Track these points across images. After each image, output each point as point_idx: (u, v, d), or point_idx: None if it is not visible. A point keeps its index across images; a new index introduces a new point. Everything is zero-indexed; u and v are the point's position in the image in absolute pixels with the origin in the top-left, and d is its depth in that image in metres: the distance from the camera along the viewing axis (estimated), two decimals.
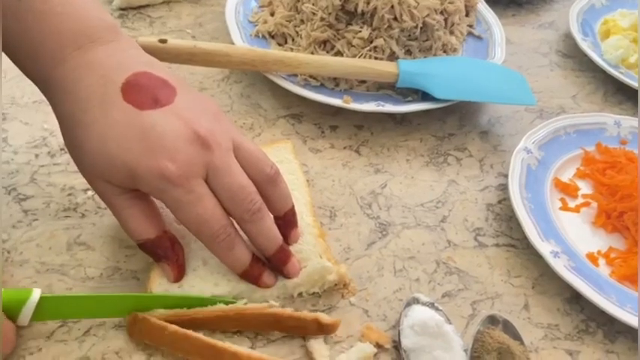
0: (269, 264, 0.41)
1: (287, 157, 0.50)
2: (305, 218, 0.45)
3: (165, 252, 0.39)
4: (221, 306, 0.39)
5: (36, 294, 0.36)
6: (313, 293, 0.43)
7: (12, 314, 0.35)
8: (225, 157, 0.38)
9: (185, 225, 0.38)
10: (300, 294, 0.42)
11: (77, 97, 0.37)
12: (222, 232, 0.38)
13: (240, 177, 0.38)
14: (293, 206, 0.42)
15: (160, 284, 0.40)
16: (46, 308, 0.36)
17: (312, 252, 0.43)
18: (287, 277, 0.41)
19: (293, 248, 0.42)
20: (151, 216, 0.39)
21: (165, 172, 0.35)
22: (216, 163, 0.37)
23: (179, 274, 0.40)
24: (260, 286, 0.40)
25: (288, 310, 0.39)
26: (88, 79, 0.37)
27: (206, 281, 0.40)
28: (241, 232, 0.40)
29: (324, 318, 0.39)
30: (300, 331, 0.40)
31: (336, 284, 0.43)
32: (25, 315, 0.36)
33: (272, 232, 0.40)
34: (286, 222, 0.42)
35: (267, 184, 0.40)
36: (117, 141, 0.36)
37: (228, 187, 0.38)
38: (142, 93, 0.37)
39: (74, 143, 0.37)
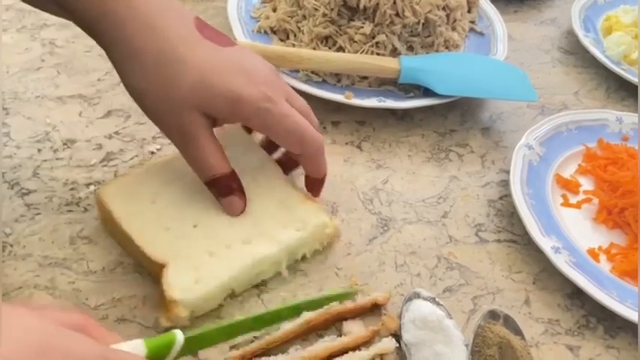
0: (309, 184, 0.46)
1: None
2: (295, 187, 0.46)
3: (237, 185, 0.43)
4: (292, 326, 0.39)
5: (180, 337, 0.33)
6: (315, 252, 0.45)
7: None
8: (290, 89, 0.44)
9: (287, 137, 0.42)
10: (304, 257, 0.44)
11: (164, 35, 0.39)
12: (319, 137, 0.43)
13: (305, 104, 0.45)
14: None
15: (178, 287, 0.38)
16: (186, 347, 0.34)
17: (309, 212, 0.44)
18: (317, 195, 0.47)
19: (295, 212, 0.44)
20: (224, 154, 0.42)
21: (268, 93, 0.40)
22: (290, 90, 0.44)
23: (245, 205, 0.43)
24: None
25: (349, 304, 0.41)
26: (170, 17, 0.40)
27: (220, 267, 0.40)
28: None
29: (381, 298, 0.42)
30: (357, 315, 0.42)
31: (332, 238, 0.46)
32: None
33: (325, 162, 0.46)
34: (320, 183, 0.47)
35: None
36: (218, 73, 0.39)
37: (304, 107, 0.44)
38: (214, 34, 0.41)
39: (167, 77, 0.39)
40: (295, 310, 0.40)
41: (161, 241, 0.40)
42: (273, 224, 0.43)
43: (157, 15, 0.39)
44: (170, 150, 0.45)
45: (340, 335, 0.40)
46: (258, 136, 0.49)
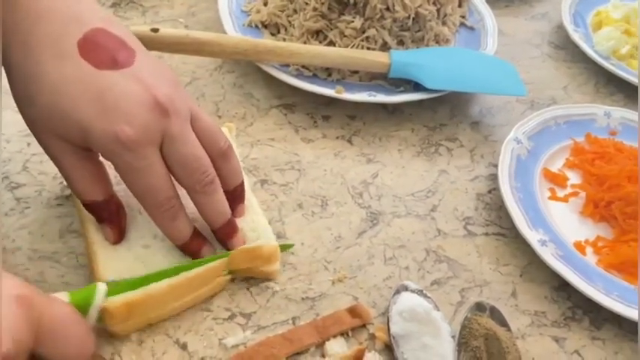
0: (215, 236, 0.42)
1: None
2: (250, 198, 0.45)
3: (110, 215, 0.40)
4: (272, 348, 0.38)
5: (101, 286, 0.34)
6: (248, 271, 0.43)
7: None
8: (183, 126, 0.37)
9: (131, 190, 0.38)
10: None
11: (30, 48, 0.35)
12: (166, 202, 0.37)
13: (196, 148, 0.38)
14: (243, 181, 0.43)
15: (110, 270, 0.39)
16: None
17: (257, 229, 0.43)
18: (230, 249, 0.41)
19: (245, 225, 0.43)
20: (99, 178, 0.39)
21: (121, 135, 0.35)
22: (173, 131, 0.37)
23: (119, 237, 0.40)
24: (197, 258, 0.41)
25: (327, 317, 0.41)
26: (44, 28, 0.35)
27: (158, 255, 0.40)
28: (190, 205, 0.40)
29: (360, 307, 0.42)
30: (337, 327, 0.41)
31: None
32: (92, 313, 0.35)
33: (222, 206, 0.40)
34: (235, 196, 0.43)
35: (220, 158, 0.40)
36: (72, 98, 0.35)
37: (184, 156, 0.37)
38: (99, 51, 0.36)
39: (25, 96, 0.36)
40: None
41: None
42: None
43: (30, 26, 0.35)
44: None
45: (323, 356, 0.40)
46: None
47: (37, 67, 0.35)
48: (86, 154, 0.38)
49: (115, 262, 0.39)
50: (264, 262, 0.42)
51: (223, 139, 0.40)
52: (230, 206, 0.41)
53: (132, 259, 0.40)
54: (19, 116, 0.50)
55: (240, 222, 0.43)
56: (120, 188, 0.40)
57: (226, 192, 0.41)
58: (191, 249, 0.40)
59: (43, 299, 0.29)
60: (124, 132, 0.35)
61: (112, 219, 0.40)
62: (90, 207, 0.39)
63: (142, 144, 0.36)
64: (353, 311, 0.41)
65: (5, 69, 0.36)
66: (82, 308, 0.34)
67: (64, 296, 0.34)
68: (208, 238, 0.42)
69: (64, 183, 0.46)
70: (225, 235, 0.41)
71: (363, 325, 0.42)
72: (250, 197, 0.45)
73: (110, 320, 0.36)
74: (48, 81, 0.35)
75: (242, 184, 0.43)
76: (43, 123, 0.36)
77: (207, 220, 0.41)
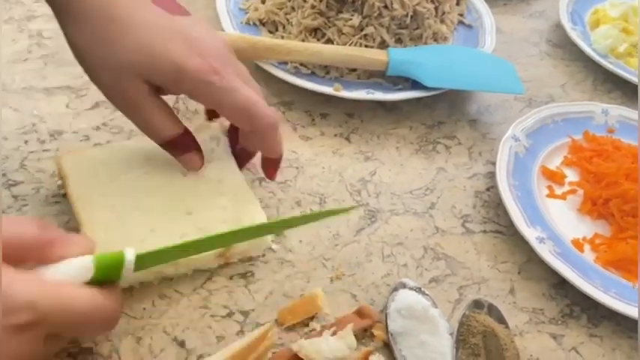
0: (264, 165, 0.46)
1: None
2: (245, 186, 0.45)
3: (193, 143, 0.43)
4: None
5: (130, 255, 0.33)
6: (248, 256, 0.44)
7: (113, 279, 0.33)
8: (245, 69, 0.43)
9: (233, 112, 0.40)
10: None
11: None
12: (270, 112, 0.41)
13: (258, 87, 0.43)
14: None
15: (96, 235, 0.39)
16: (141, 266, 0.34)
17: (249, 214, 0.43)
18: (271, 179, 0.46)
19: (236, 212, 0.43)
20: (174, 115, 0.41)
21: (215, 65, 0.39)
22: (243, 70, 0.42)
23: (203, 161, 0.43)
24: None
25: (337, 321, 0.41)
26: None
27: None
28: None
29: (367, 308, 0.42)
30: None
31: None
32: (122, 280, 0.34)
33: (281, 140, 0.44)
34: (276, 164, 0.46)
35: None
36: (162, 40, 0.38)
37: (256, 89, 0.42)
38: (165, 2, 0.40)
39: (107, 40, 0.37)
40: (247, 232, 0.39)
41: (101, 218, 0.40)
42: (211, 219, 0.42)
43: None
44: None
45: None
46: (225, 125, 0.48)
47: (116, 10, 0.37)
48: (158, 96, 0.40)
49: None
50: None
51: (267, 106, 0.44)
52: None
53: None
54: (17, 114, 0.50)
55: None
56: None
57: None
58: (278, 144, 0.44)
59: (53, 306, 0.29)
60: (213, 66, 0.39)
61: (195, 145, 0.43)
62: (173, 142, 0.41)
63: (229, 72, 0.40)
64: (361, 313, 0.41)
65: (71, 17, 0.38)
66: (109, 274, 0.33)
67: (88, 262, 0.32)
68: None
69: (60, 182, 0.46)
70: (275, 165, 0.45)
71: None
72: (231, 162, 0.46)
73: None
74: (133, 22, 0.37)
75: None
76: (130, 65, 0.37)
77: (273, 150, 0.44)
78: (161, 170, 0.43)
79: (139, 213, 0.41)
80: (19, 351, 0.28)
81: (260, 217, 0.43)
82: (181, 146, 0.42)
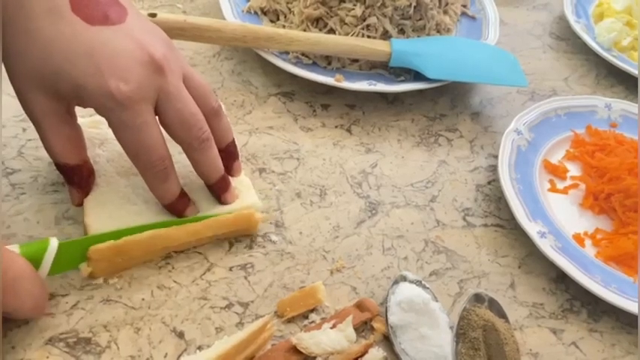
0: (210, 191, 0.43)
1: None
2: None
3: (80, 180, 0.40)
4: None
5: (54, 242, 0.35)
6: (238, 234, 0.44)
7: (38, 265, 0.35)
8: (178, 84, 0.38)
9: (125, 149, 0.38)
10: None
11: (22, 3, 0.35)
12: (159, 162, 0.38)
13: (192, 104, 0.38)
14: (234, 139, 0.44)
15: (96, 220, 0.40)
16: (64, 255, 0.36)
17: (243, 196, 0.44)
18: (224, 203, 0.43)
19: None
20: (76, 143, 0.39)
21: (115, 92, 0.35)
22: (169, 88, 0.37)
23: (82, 200, 0.41)
24: (180, 217, 0.42)
25: (337, 314, 0.41)
26: None
27: (132, 213, 0.41)
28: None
29: (368, 301, 0.41)
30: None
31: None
32: (45, 267, 0.35)
33: (217, 161, 0.41)
34: (228, 153, 0.44)
35: (212, 116, 0.41)
36: (65, 54, 0.35)
37: (180, 113, 0.38)
38: (91, 7, 0.36)
39: (16, 50, 0.35)
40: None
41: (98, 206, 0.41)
42: (204, 199, 0.43)
43: None
44: None
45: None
46: None
47: (29, 22, 0.35)
48: (67, 118, 0.38)
49: None
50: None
51: (214, 98, 0.41)
52: (225, 164, 0.43)
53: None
54: (15, 101, 0.49)
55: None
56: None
57: (220, 150, 0.42)
58: (177, 208, 0.41)
59: (6, 255, 0.30)
60: (118, 88, 0.35)
61: (81, 183, 0.41)
62: (62, 169, 0.40)
63: (136, 101, 0.35)
64: (361, 306, 0.41)
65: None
66: (33, 262, 0.34)
67: (14, 248, 0.34)
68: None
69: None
70: (219, 190, 0.43)
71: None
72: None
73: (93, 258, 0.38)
74: (40, 36, 0.35)
75: (234, 141, 0.44)
76: (33, 79, 0.36)
77: (204, 175, 0.42)
78: None
79: (137, 203, 0.42)
80: None
81: (254, 203, 0.44)
82: (67, 176, 0.40)
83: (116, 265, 0.40)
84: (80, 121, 0.41)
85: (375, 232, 0.47)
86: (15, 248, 0.34)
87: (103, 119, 0.38)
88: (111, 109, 0.35)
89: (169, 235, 0.40)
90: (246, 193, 0.45)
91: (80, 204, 0.41)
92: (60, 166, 0.40)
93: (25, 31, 0.35)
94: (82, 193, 0.41)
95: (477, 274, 0.46)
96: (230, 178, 0.44)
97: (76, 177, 0.40)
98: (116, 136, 0.37)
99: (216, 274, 0.42)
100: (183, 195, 0.41)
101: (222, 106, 0.43)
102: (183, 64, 0.40)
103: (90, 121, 0.46)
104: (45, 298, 0.35)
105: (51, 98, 0.36)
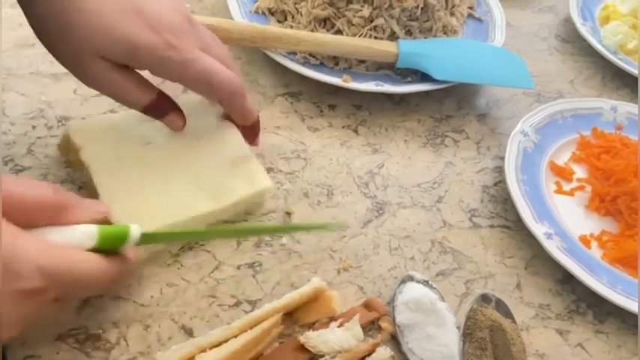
0: (244, 133, 0.47)
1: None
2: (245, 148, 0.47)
3: (170, 105, 0.43)
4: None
5: (135, 231, 0.34)
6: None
7: (115, 250, 0.34)
8: (210, 36, 0.43)
9: (196, 85, 0.41)
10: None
11: None
12: (232, 80, 0.42)
13: (226, 52, 0.44)
14: (258, 116, 0.47)
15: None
16: (146, 242, 0.36)
17: (253, 175, 0.45)
18: (256, 145, 0.48)
19: (241, 174, 0.45)
20: (145, 81, 0.41)
21: (171, 40, 0.39)
22: (205, 38, 0.42)
23: (184, 120, 0.44)
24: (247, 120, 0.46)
25: (345, 313, 0.41)
26: None
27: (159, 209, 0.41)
28: None
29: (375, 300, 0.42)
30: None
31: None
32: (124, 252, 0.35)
33: (252, 105, 0.46)
34: (254, 130, 0.47)
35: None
36: (115, 16, 0.37)
37: (221, 56, 0.42)
38: None
39: (62, 23, 0.37)
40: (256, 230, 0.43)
41: (114, 183, 0.41)
42: (215, 182, 0.43)
43: None
44: None
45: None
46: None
47: None
48: (125, 69, 0.40)
49: None
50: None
51: (236, 69, 0.44)
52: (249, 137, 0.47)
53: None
54: (24, 99, 0.50)
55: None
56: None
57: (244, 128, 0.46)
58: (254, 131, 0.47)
59: (63, 271, 0.30)
60: (172, 38, 0.39)
61: (173, 107, 0.43)
62: (150, 107, 0.41)
63: (186, 45, 0.40)
64: (368, 305, 0.41)
65: (38, 9, 0.37)
66: (111, 245, 0.34)
67: (92, 231, 0.33)
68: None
69: (69, 167, 0.45)
70: (254, 132, 0.47)
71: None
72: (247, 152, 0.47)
73: None
74: (90, 5, 0.37)
75: (258, 119, 0.47)
76: (90, 45, 0.37)
77: (243, 117, 0.45)
78: (170, 139, 0.44)
79: (153, 183, 0.42)
80: (27, 314, 0.29)
81: (266, 183, 0.45)
82: (159, 110, 0.42)
83: None
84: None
85: (382, 232, 0.47)
86: (93, 230, 0.33)
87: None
88: (168, 57, 0.39)
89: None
90: (257, 174, 0.45)
91: (184, 125, 0.44)
92: (148, 108, 0.41)
93: (73, 5, 0.37)
94: (180, 114, 0.43)
95: (484, 275, 0.46)
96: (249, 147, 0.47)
97: (165, 104, 0.42)
98: (183, 79, 0.40)
99: (225, 272, 0.42)
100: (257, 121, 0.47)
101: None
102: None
103: None
104: (115, 277, 0.34)
105: (106, 61, 0.38)
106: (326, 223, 0.46)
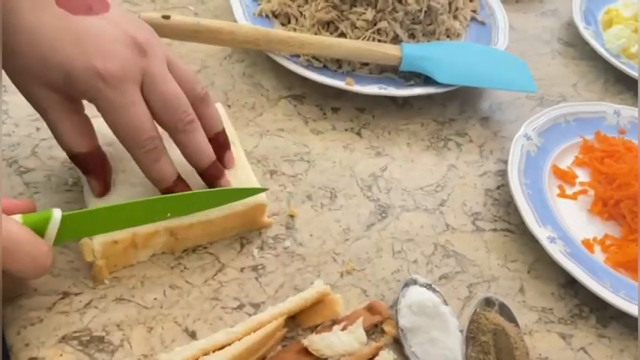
0: (202, 179, 0.42)
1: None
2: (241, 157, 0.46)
3: (95, 167, 0.40)
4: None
5: (57, 213, 0.35)
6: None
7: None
8: (161, 67, 0.38)
9: (113, 129, 0.38)
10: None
11: (9, 1, 0.35)
12: (149, 142, 0.38)
13: (175, 87, 0.39)
14: (224, 129, 0.43)
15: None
16: (69, 227, 0.36)
17: (245, 178, 0.44)
18: None
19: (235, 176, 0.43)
20: (85, 131, 0.39)
21: (102, 71, 0.36)
22: (152, 69, 0.38)
23: (104, 189, 0.41)
24: None
25: (348, 316, 0.41)
26: None
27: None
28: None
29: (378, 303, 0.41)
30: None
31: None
32: (50, 236, 0.35)
33: (205, 145, 0.41)
34: (218, 143, 0.43)
35: (198, 102, 0.41)
36: (50, 43, 0.36)
37: (164, 95, 0.38)
38: (75, 0, 0.37)
39: (9, 49, 0.36)
40: (187, 201, 0.40)
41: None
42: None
43: None
44: None
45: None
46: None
47: (16, 19, 0.36)
48: (73, 107, 0.38)
49: None
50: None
51: (200, 85, 0.41)
52: (217, 155, 0.42)
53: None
54: None
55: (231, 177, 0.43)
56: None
57: (209, 139, 0.42)
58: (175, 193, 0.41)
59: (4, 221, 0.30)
60: (105, 68, 0.36)
61: (97, 171, 0.40)
62: (76, 159, 0.40)
63: (122, 79, 0.36)
64: (371, 308, 0.41)
65: None
66: (37, 232, 0.34)
67: (16, 218, 0.34)
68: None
69: (73, 168, 0.46)
70: (212, 177, 0.42)
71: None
72: (240, 154, 0.46)
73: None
74: (26, 30, 0.36)
75: (224, 131, 0.44)
76: (27, 73, 0.36)
77: (193, 161, 0.41)
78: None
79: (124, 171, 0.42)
80: None
81: (261, 197, 0.43)
82: (83, 166, 0.40)
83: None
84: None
85: (385, 235, 0.48)
86: (17, 218, 0.34)
87: None
88: (98, 89, 0.36)
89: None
90: (247, 179, 0.44)
91: (102, 194, 0.40)
92: (73, 157, 0.40)
93: (14, 28, 0.36)
94: (100, 182, 0.40)
95: (487, 279, 0.46)
96: (232, 166, 0.44)
97: (90, 165, 0.40)
98: (106, 120, 0.38)
99: (228, 275, 0.42)
100: (180, 180, 0.41)
101: (210, 95, 0.43)
102: (167, 51, 0.40)
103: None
104: (46, 259, 0.34)
105: (48, 90, 0.37)
106: (248, 188, 0.43)
